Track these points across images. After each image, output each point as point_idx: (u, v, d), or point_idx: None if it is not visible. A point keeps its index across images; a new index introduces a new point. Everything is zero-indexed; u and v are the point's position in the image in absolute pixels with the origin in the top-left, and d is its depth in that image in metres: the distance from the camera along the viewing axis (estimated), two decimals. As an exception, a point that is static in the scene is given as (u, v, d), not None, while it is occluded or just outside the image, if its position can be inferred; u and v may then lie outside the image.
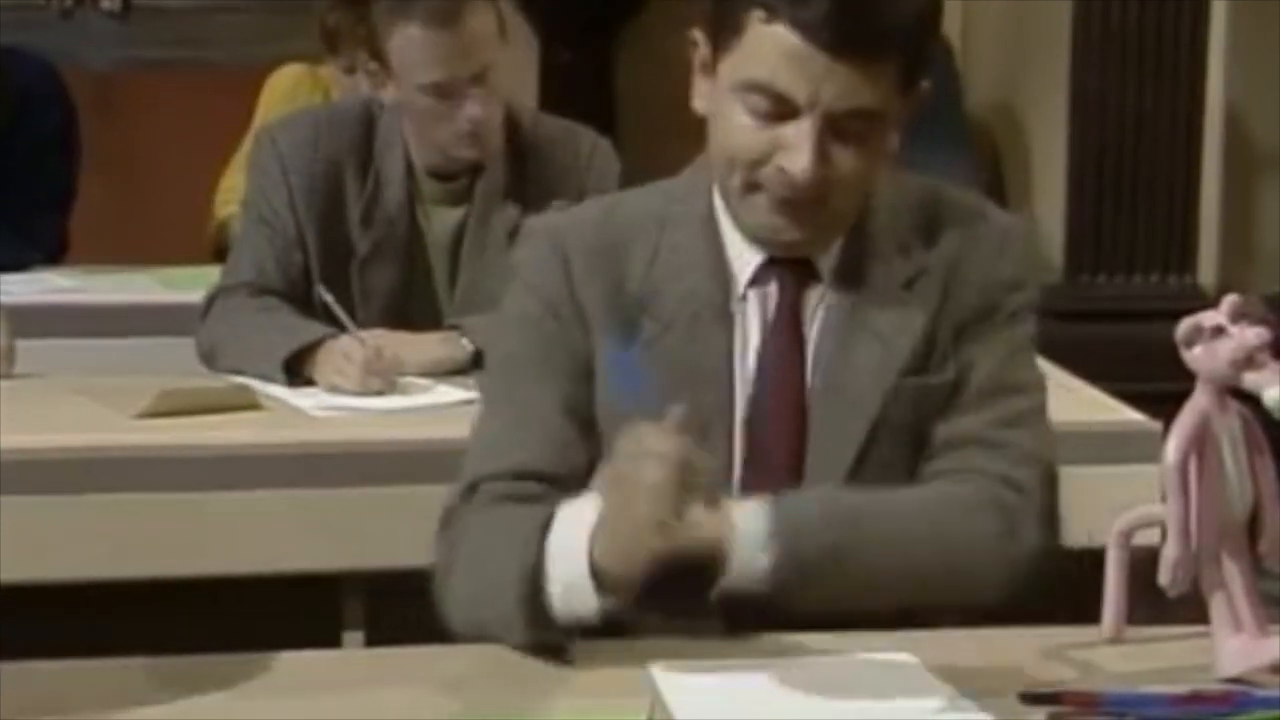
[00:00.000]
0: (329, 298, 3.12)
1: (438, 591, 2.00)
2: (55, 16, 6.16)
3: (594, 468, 1.93)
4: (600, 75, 6.27)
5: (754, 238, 2.03)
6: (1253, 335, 1.74)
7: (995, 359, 2.04)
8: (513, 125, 3.34)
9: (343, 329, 3.12)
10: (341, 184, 3.28)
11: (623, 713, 1.71)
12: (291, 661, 1.88)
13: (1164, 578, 1.77)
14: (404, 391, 3.07)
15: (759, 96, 1.94)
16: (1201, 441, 1.78)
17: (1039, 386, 2.08)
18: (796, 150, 1.93)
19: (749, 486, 2.01)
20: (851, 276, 2.04)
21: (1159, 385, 2.13)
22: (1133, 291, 5.38)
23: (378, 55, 3.25)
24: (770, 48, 1.92)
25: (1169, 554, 1.76)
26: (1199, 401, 1.78)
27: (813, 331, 2.04)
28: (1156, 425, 2.74)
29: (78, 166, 4.68)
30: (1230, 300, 1.76)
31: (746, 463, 2.02)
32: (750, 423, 2.02)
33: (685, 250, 2.05)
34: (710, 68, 2.01)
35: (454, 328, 3.25)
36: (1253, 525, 1.82)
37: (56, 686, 1.79)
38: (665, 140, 6.14)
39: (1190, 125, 5.51)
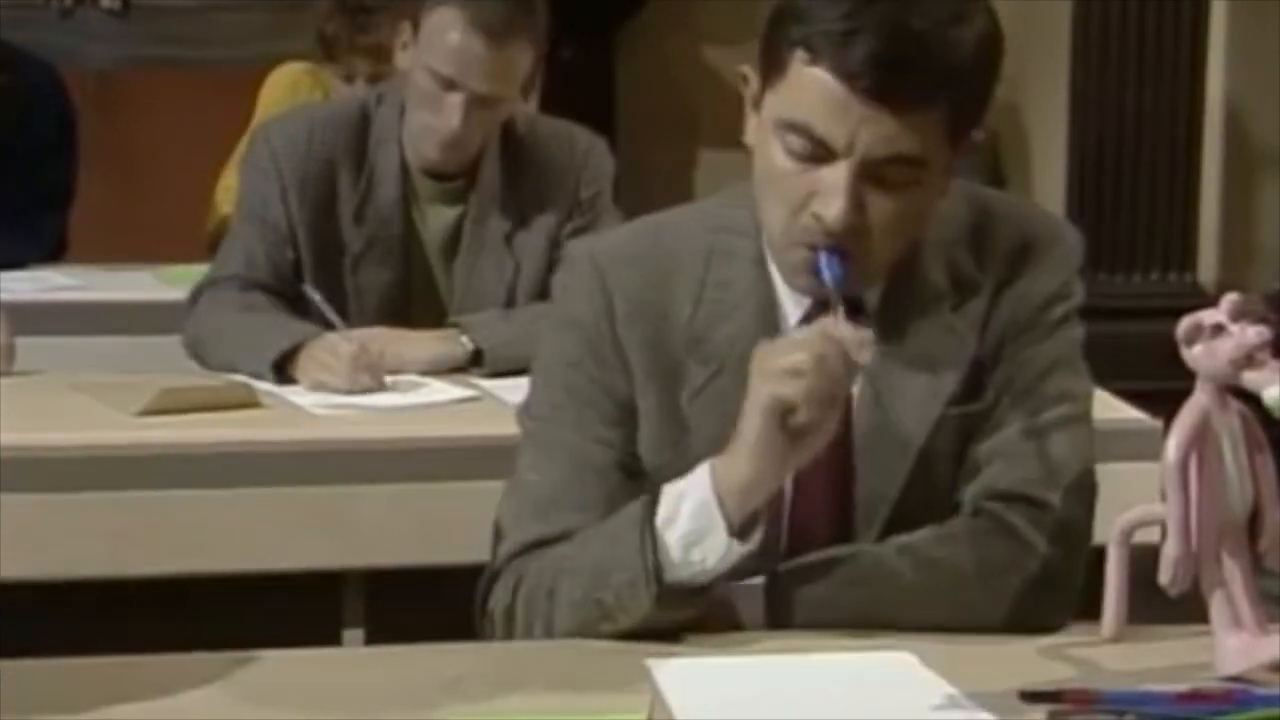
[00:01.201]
0: (316, 296, 3.12)
1: (518, 629, 1.99)
2: (55, 15, 6.17)
3: None
4: (600, 73, 6.28)
5: (797, 290, 2.00)
6: (1253, 334, 1.74)
7: (1033, 372, 2.01)
8: (508, 125, 3.34)
9: (332, 328, 3.12)
10: (335, 182, 3.28)
11: (623, 711, 1.72)
12: (291, 659, 1.88)
13: (1164, 576, 1.77)
14: (392, 389, 3.07)
15: (797, 137, 1.90)
16: (1202, 440, 1.78)
17: (1080, 393, 2.04)
18: (831, 195, 1.89)
19: (796, 523, 2.01)
20: (899, 307, 2.01)
21: (1159, 383, 2.13)
22: (1133, 290, 5.39)
23: (415, 17, 3.24)
24: (810, 90, 1.89)
25: (1169, 552, 1.76)
26: (1199, 400, 1.78)
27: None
28: (1156, 423, 2.74)
29: (77, 166, 4.68)
30: (1230, 299, 1.76)
31: (794, 501, 2.00)
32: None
33: (733, 288, 2.02)
34: (757, 103, 1.97)
35: (453, 325, 3.25)
36: (1253, 524, 1.82)
37: (56, 684, 1.79)
38: (664, 138, 6.17)
39: (1190, 123, 5.52)
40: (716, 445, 1.93)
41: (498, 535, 2.04)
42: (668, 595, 1.88)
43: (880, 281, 2.01)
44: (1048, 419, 2.01)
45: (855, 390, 1.98)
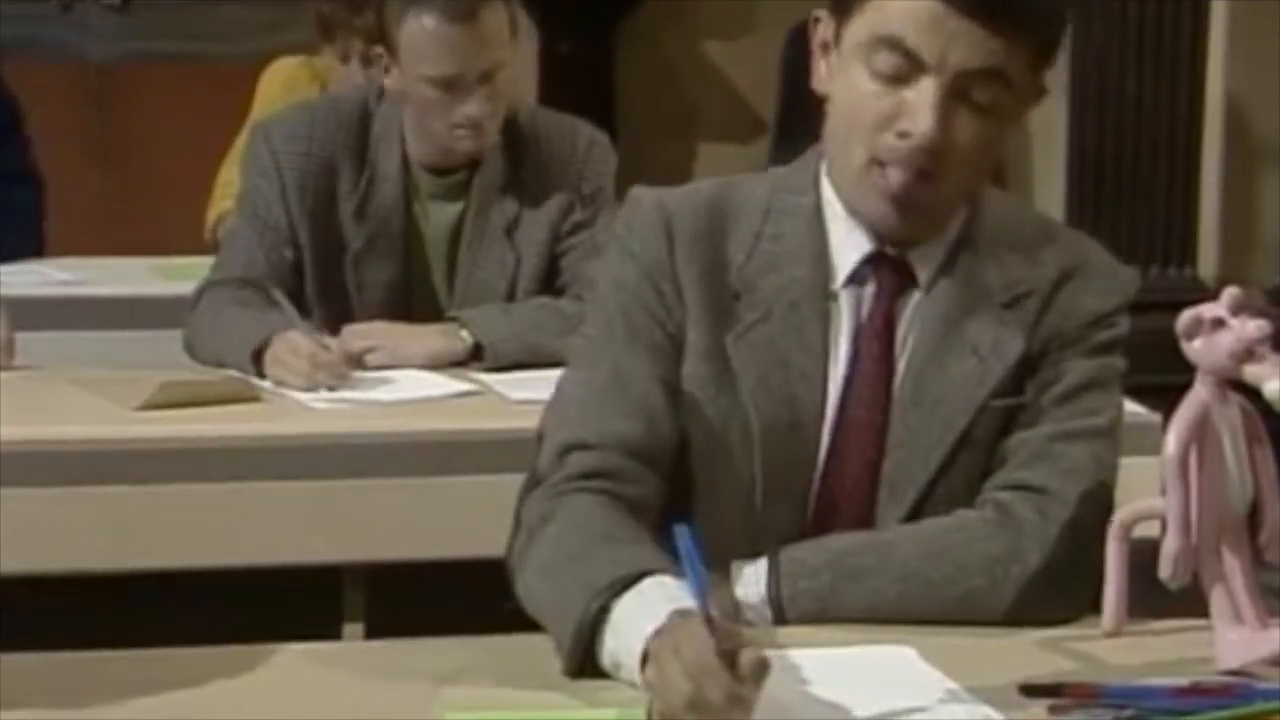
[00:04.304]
0: (278, 293, 3.12)
1: (511, 559, 1.99)
2: (55, 10, 6.17)
3: (680, 441, 1.99)
4: (600, 68, 6.28)
5: (864, 219, 2.01)
6: (1253, 328, 1.74)
7: (1069, 384, 2.02)
8: (509, 120, 3.34)
9: (344, 323, 3.12)
10: (335, 179, 3.28)
11: (624, 705, 1.71)
12: (292, 653, 1.88)
13: (1164, 570, 1.77)
14: (392, 383, 3.07)
15: (887, 53, 1.93)
16: (1202, 434, 1.78)
17: (1110, 416, 2.05)
18: (919, 111, 1.92)
19: (826, 488, 2.02)
20: (951, 285, 2.03)
21: (1159, 377, 2.13)
22: (1132, 284, 5.38)
23: (386, 40, 3.24)
24: (903, 3, 1.92)
25: (1169, 547, 1.76)
26: (1199, 394, 1.78)
27: (907, 337, 2.02)
28: (1156, 418, 2.74)
29: (28, 153, 4.66)
30: (1230, 293, 1.76)
31: (825, 469, 2.02)
32: (836, 422, 2.02)
33: (787, 241, 2.04)
34: (832, 44, 2.00)
35: (453, 320, 3.25)
36: (1252, 518, 1.82)
37: (56, 678, 1.79)
38: (664, 133, 6.17)
39: (1190, 118, 5.52)
40: (755, 393, 1.98)
41: (540, 440, 2.05)
42: (586, 674, 1.81)
43: (937, 251, 2.03)
44: (1074, 427, 2.02)
45: (903, 360, 2.02)
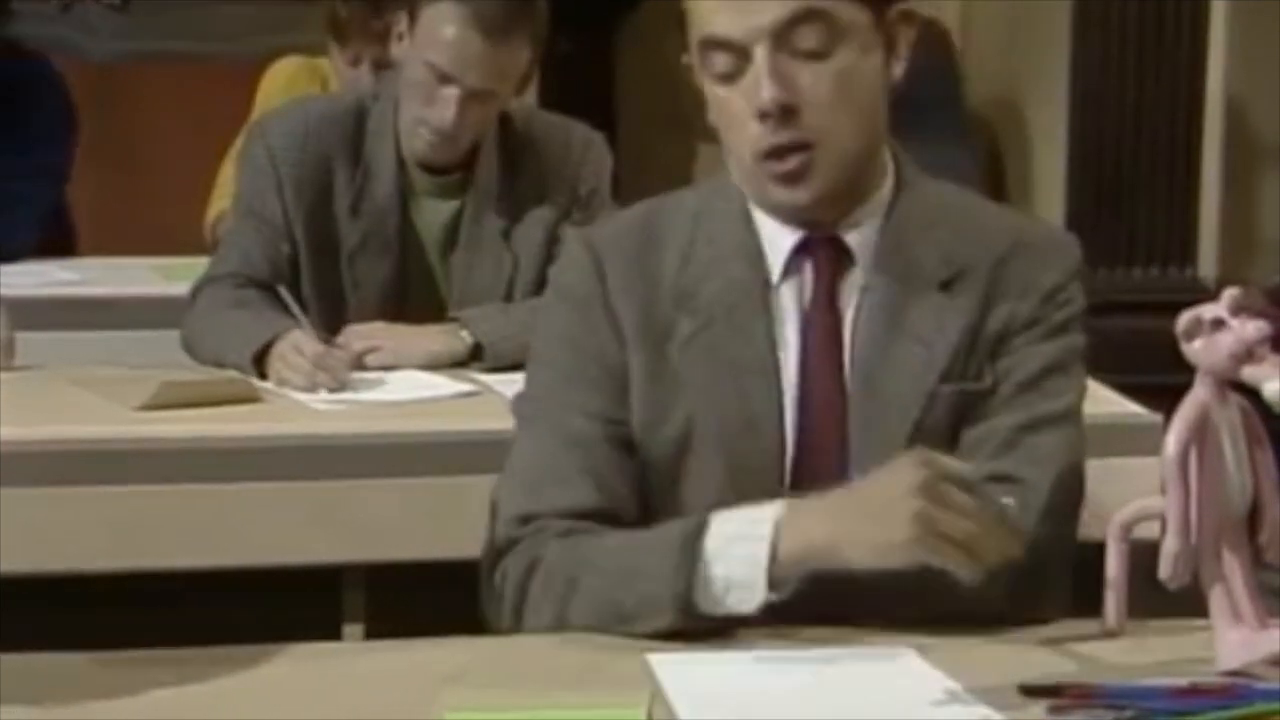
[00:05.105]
0: (284, 293, 3.12)
1: (505, 623, 2.00)
2: (55, 9, 6.17)
3: (638, 486, 2.00)
4: (600, 68, 6.27)
5: (777, 212, 2.03)
6: (1253, 329, 1.74)
7: (1032, 367, 2.03)
8: (506, 120, 3.34)
9: (339, 325, 3.11)
10: (331, 176, 3.28)
11: (623, 706, 1.71)
12: (291, 653, 1.88)
13: (1164, 570, 1.77)
14: (392, 384, 3.07)
15: (712, 55, 1.99)
16: (1202, 434, 1.78)
17: (1074, 398, 2.06)
18: (757, 85, 1.96)
19: (799, 481, 2.01)
20: (889, 268, 2.03)
21: (1159, 378, 2.13)
22: (1133, 284, 5.38)
23: (412, 8, 3.24)
24: (698, 9, 2.00)
25: (1169, 547, 1.76)
26: (1199, 394, 1.78)
27: (851, 325, 2.03)
28: (1157, 418, 2.74)
29: (74, 149, 4.66)
30: (1230, 293, 1.76)
31: (794, 472, 2.02)
32: (798, 418, 2.02)
33: (720, 242, 2.05)
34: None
35: (453, 320, 3.25)
36: (1252, 518, 1.82)
37: (56, 678, 1.79)
38: (664, 132, 6.16)
39: (1190, 117, 5.51)
40: (706, 396, 1.99)
41: (493, 513, 2.06)
42: (689, 619, 1.88)
43: (868, 228, 2.04)
44: (1040, 414, 2.02)
45: (849, 352, 2.02)
